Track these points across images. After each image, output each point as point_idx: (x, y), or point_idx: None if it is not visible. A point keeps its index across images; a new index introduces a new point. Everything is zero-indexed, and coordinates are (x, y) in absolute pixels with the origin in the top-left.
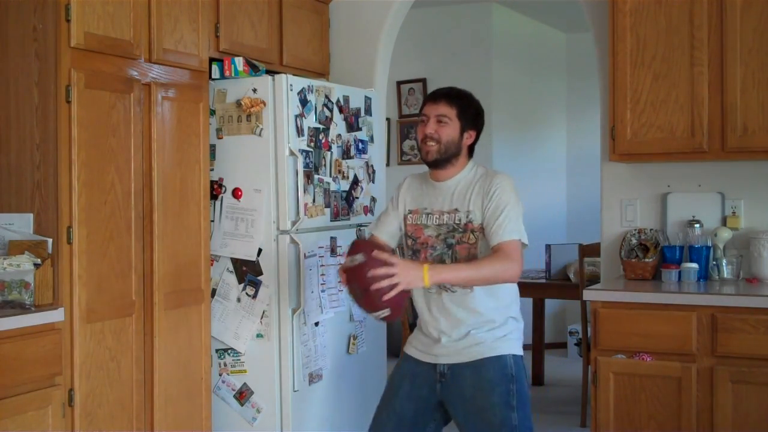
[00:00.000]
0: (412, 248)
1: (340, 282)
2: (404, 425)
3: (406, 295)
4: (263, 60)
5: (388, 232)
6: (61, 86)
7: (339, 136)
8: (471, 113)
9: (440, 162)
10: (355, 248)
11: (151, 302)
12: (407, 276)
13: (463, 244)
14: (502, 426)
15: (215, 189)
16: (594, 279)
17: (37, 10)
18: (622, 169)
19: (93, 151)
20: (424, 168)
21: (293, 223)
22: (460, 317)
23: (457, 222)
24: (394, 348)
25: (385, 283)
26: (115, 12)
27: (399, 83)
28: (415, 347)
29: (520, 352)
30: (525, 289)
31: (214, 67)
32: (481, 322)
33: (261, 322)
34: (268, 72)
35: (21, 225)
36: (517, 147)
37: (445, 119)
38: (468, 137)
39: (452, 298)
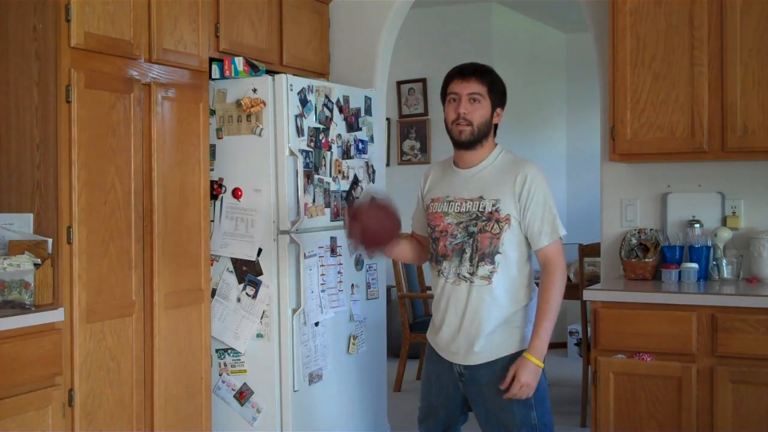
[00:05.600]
0: (432, 237)
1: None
2: (440, 419)
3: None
4: (263, 60)
5: (422, 228)
6: (61, 86)
7: (339, 136)
8: (499, 90)
9: (473, 143)
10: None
11: (151, 302)
12: (532, 380)
13: (485, 233)
14: (522, 426)
15: (215, 189)
16: (594, 279)
17: (37, 10)
18: (622, 169)
19: (93, 151)
20: (426, 167)
21: (293, 223)
22: (476, 308)
23: (481, 210)
24: (394, 348)
25: (524, 396)
26: (115, 12)
27: (399, 83)
28: (434, 341)
29: None
30: None
31: (214, 67)
32: (496, 312)
33: (261, 322)
34: (268, 72)
35: (21, 225)
36: (517, 147)
37: (478, 97)
38: (497, 116)
39: (470, 289)
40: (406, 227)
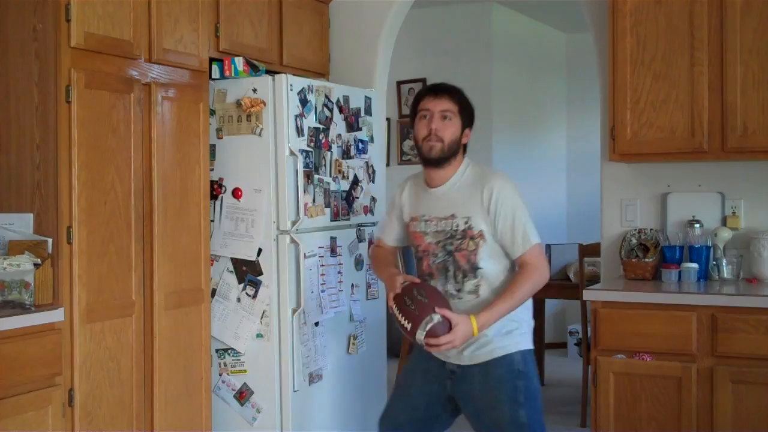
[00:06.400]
0: (416, 256)
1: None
2: (417, 416)
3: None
4: (263, 60)
5: (395, 238)
6: (61, 86)
7: (339, 136)
8: (469, 110)
9: (442, 161)
10: (428, 298)
11: (151, 302)
12: (462, 339)
13: (462, 251)
14: (511, 423)
15: (215, 189)
16: (594, 279)
17: (37, 10)
18: (622, 169)
19: (93, 151)
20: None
21: (293, 223)
22: None
23: (454, 228)
24: (394, 348)
25: (443, 349)
26: (115, 12)
27: (399, 83)
28: None
29: (528, 346)
30: None
31: (214, 67)
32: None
33: (261, 322)
34: (268, 72)
35: (21, 225)
36: (517, 147)
37: (449, 115)
38: (466, 136)
39: (461, 305)
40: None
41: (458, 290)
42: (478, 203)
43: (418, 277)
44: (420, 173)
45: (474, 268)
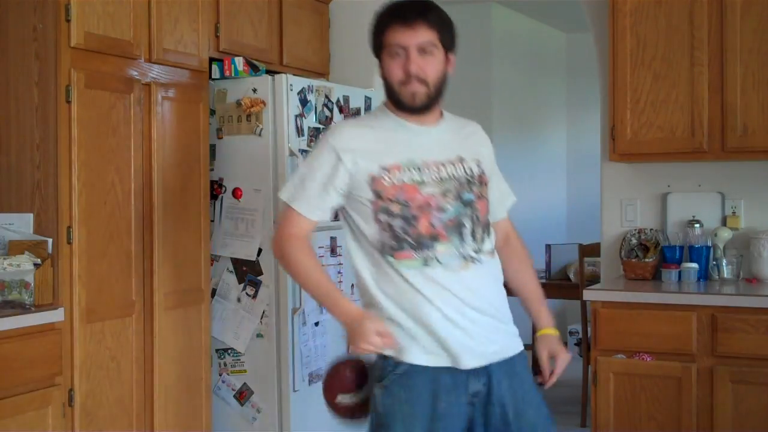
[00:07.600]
0: (402, 216)
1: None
2: None
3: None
4: (263, 60)
5: (328, 208)
6: (61, 86)
7: None
8: (450, 31)
9: (430, 106)
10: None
11: (151, 302)
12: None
13: (482, 199)
14: (547, 425)
15: (215, 189)
16: (594, 279)
17: (37, 10)
18: (622, 169)
19: (93, 151)
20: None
21: None
22: (494, 290)
23: (469, 173)
24: None
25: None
26: (115, 12)
27: None
28: (445, 355)
29: None
30: None
31: (214, 67)
32: (501, 287)
33: (261, 322)
34: (268, 72)
35: (21, 225)
36: (517, 147)
37: (429, 48)
38: (451, 64)
39: (482, 269)
40: None
41: (477, 251)
42: (481, 146)
43: (400, 248)
44: (375, 114)
45: (489, 222)
